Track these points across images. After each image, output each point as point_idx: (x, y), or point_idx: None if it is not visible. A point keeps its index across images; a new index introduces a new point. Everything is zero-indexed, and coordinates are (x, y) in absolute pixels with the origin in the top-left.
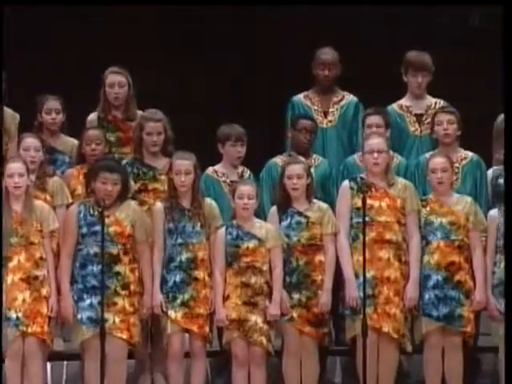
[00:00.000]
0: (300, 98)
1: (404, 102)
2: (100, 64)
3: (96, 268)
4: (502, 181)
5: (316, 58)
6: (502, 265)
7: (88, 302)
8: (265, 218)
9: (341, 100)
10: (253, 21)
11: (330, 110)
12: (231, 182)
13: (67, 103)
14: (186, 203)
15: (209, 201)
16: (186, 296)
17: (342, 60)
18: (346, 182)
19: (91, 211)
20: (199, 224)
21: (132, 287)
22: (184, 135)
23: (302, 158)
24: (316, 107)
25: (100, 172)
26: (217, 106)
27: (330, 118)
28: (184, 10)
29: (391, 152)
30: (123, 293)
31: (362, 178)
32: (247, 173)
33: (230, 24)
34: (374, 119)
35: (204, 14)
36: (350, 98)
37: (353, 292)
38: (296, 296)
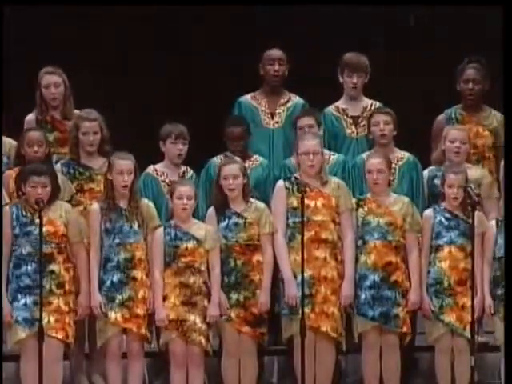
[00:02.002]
0: (247, 98)
1: (340, 104)
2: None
3: (30, 267)
4: (437, 181)
5: (264, 57)
6: (437, 264)
7: (22, 302)
8: (202, 219)
9: (287, 101)
10: (192, 20)
11: (277, 111)
12: (170, 181)
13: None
14: (123, 203)
15: (146, 201)
16: (124, 296)
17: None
18: (280, 182)
19: (23, 212)
20: (137, 224)
21: (67, 286)
22: (124, 135)
23: (237, 159)
24: (263, 108)
25: (29, 176)
26: (160, 106)
27: (276, 119)
28: (126, 10)
29: (328, 152)
30: (58, 292)
31: (296, 178)
32: (189, 172)
33: (168, 23)
34: (305, 120)
35: (143, 14)
36: (296, 99)
37: (292, 291)
38: (234, 296)
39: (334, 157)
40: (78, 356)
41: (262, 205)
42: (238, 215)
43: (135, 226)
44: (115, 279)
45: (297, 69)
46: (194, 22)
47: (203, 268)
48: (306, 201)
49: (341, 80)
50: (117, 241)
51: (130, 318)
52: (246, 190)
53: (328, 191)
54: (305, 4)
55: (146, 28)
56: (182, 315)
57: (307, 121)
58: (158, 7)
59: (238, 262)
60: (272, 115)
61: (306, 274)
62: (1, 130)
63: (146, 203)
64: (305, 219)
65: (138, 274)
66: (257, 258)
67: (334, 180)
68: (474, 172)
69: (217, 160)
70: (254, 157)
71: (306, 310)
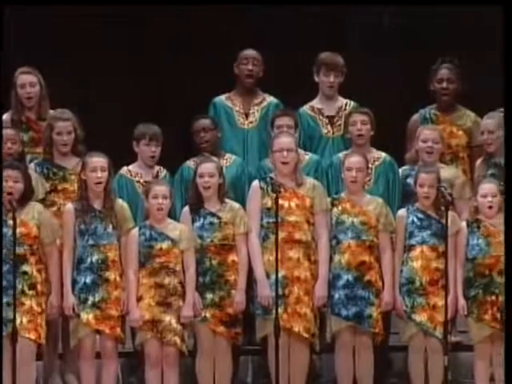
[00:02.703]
0: (222, 99)
1: (315, 103)
2: None
3: (4, 268)
4: (410, 180)
5: (239, 57)
6: (410, 264)
7: None
8: (178, 221)
9: (262, 102)
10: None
11: (251, 111)
12: (145, 182)
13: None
14: (97, 204)
15: (120, 202)
16: (97, 297)
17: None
18: (255, 182)
19: None
20: (111, 225)
21: (39, 287)
22: (99, 136)
23: (214, 158)
24: (237, 108)
25: (2, 170)
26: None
27: (251, 119)
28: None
29: (302, 152)
30: (30, 293)
31: (271, 178)
32: (163, 172)
33: (142, 23)
34: (284, 120)
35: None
36: (270, 99)
37: (265, 291)
38: (209, 296)
39: (307, 156)
40: (52, 356)
41: (236, 205)
42: (213, 215)
43: (109, 228)
44: (88, 280)
45: (272, 69)
46: (168, 22)
47: (178, 268)
48: (281, 201)
49: (316, 79)
50: (90, 242)
51: (103, 319)
52: (222, 190)
53: (303, 192)
54: (281, 5)
55: (120, 28)
56: (157, 316)
57: (287, 121)
58: (132, 7)
59: (213, 262)
60: (246, 115)
61: (280, 275)
62: (0, 130)
63: (121, 204)
64: (279, 220)
65: (111, 275)
66: (232, 258)
67: (310, 181)
68: (447, 172)
69: (191, 162)
70: (227, 155)
71: (279, 310)
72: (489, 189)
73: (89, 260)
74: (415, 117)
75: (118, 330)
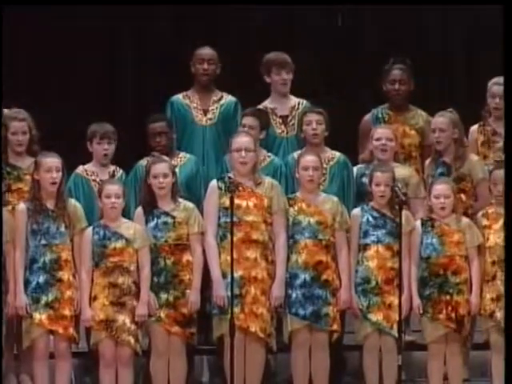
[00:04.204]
0: (179, 97)
1: (268, 103)
2: None
3: None
4: (365, 179)
5: (195, 55)
6: (365, 263)
7: None
8: (131, 221)
9: (220, 99)
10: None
11: (210, 108)
12: (101, 181)
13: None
14: (50, 204)
15: (73, 201)
16: (50, 297)
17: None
18: (213, 182)
19: None
20: (63, 225)
21: None
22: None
23: (166, 158)
24: (195, 105)
25: None
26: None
27: (209, 115)
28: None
29: (264, 151)
30: None
31: (229, 178)
32: (119, 172)
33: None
34: (248, 120)
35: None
36: (228, 97)
37: (220, 291)
38: (164, 296)
39: (269, 159)
40: (7, 356)
41: (190, 204)
42: (167, 214)
43: (62, 227)
44: (41, 280)
45: (227, 68)
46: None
47: (132, 268)
48: (238, 201)
49: (267, 79)
50: (43, 242)
51: (56, 319)
52: (175, 190)
53: (261, 191)
54: (237, 4)
55: (76, 27)
56: (111, 315)
57: (249, 121)
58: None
59: (168, 262)
60: (205, 112)
61: (237, 275)
62: (0, 129)
63: (73, 204)
64: (236, 219)
65: (65, 275)
66: (186, 257)
67: (269, 180)
68: (402, 171)
69: (144, 162)
70: (181, 154)
71: (236, 310)
72: (441, 190)
73: (42, 260)
74: (367, 117)
75: (72, 330)
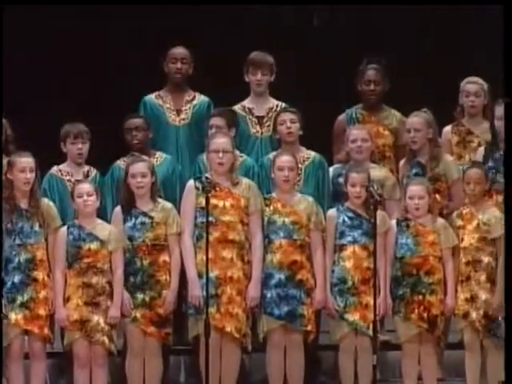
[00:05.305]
0: (151, 97)
1: (246, 103)
2: None
3: None
4: (341, 179)
5: (168, 54)
6: (341, 263)
7: None
8: (108, 222)
9: (193, 99)
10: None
11: (183, 108)
12: (76, 181)
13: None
14: (23, 203)
15: (46, 200)
16: (26, 297)
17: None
18: (191, 182)
19: None
20: (37, 224)
21: None
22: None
23: (145, 157)
24: (168, 105)
25: None
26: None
27: (182, 115)
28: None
29: (237, 152)
30: None
31: (206, 178)
32: (93, 172)
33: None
34: (215, 120)
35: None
36: (201, 97)
37: (196, 291)
38: (140, 296)
39: (241, 159)
40: None
41: (169, 205)
42: (145, 215)
43: (36, 227)
44: (16, 280)
45: (202, 68)
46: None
47: (106, 268)
48: (215, 201)
49: (246, 79)
50: (17, 241)
51: (32, 319)
52: (154, 189)
53: (238, 192)
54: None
55: (53, 27)
56: (85, 316)
57: (216, 121)
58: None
59: (145, 262)
60: (178, 112)
61: (212, 274)
62: (0, 129)
63: (47, 203)
64: (213, 219)
65: (40, 274)
66: (163, 258)
67: (246, 181)
68: (378, 172)
69: (121, 162)
70: (157, 154)
71: (212, 310)
72: (416, 191)
73: (16, 260)
74: (341, 117)
75: (47, 330)
